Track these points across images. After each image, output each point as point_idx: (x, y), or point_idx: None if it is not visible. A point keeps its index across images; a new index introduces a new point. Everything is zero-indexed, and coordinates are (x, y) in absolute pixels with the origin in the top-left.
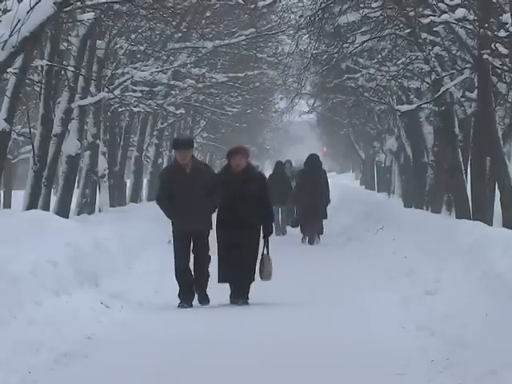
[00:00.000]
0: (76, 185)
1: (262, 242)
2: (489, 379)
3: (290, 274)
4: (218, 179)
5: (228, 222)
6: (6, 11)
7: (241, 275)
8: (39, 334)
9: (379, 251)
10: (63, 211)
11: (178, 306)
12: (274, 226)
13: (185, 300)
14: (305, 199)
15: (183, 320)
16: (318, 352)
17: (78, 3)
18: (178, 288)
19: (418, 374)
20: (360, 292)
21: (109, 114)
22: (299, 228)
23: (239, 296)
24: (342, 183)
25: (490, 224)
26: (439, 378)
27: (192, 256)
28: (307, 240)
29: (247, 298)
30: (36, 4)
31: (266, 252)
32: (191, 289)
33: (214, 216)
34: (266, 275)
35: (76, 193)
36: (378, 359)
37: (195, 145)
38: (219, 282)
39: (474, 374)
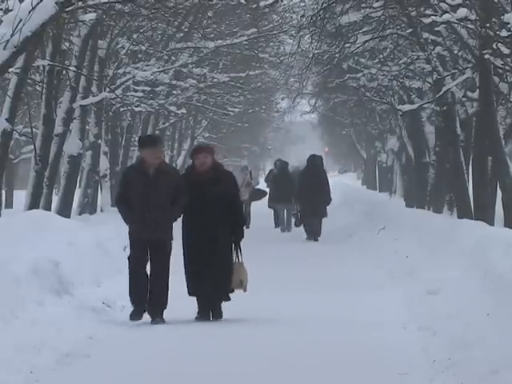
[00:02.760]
0: (78, 184)
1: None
2: (491, 379)
3: (291, 272)
4: (185, 186)
5: (194, 228)
6: (7, 11)
7: (210, 287)
8: (41, 333)
9: (381, 251)
10: (65, 211)
11: (131, 319)
12: (279, 223)
13: (138, 313)
14: (306, 198)
15: (184, 319)
16: (319, 352)
17: (80, 3)
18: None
19: (420, 373)
20: (361, 292)
21: (110, 113)
22: (302, 227)
23: (208, 310)
24: (343, 183)
25: (492, 224)
26: (441, 378)
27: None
28: (311, 238)
29: (220, 312)
30: (38, 4)
31: (237, 260)
32: (144, 302)
33: (176, 225)
34: (236, 283)
35: (78, 192)
36: (380, 359)
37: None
38: (190, 295)
39: (476, 373)
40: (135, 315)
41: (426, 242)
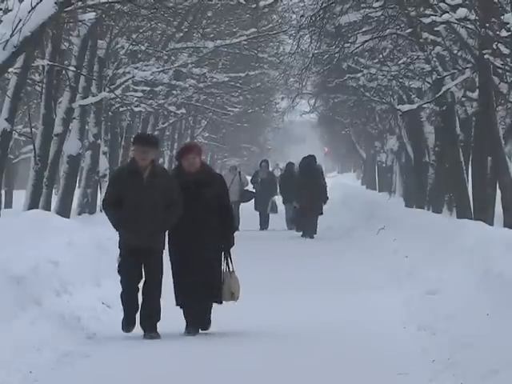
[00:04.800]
0: (77, 184)
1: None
2: (490, 379)
3: (289, 272)
4: (179, 189)
5: (182, 234)
6: (7, 11)
7: (199, 298)
8: (41, 333)
9: (380, 251)
10: (64, 211)
11: (124, 330)
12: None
13: (130, 328)
14: (303, 198)
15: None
16: (319, 352)
17: (79, 3)
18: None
19: (420, 373)
20: (361, 292)
21: (110, 113)
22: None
23: (197, 323)
24: (343, 183)
25: (491, 224)
26: (441, 378)
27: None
28: (306, 235)
29: (208, 324)
30: (37, 4)
31: (227, 269)
32: (135, 316)
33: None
34: (226, 295)
35: (77, 192)
36: (380, 359)
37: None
38: (177, 305)
39: (476, 373)
40: (128, 327)
41: (426, 241)
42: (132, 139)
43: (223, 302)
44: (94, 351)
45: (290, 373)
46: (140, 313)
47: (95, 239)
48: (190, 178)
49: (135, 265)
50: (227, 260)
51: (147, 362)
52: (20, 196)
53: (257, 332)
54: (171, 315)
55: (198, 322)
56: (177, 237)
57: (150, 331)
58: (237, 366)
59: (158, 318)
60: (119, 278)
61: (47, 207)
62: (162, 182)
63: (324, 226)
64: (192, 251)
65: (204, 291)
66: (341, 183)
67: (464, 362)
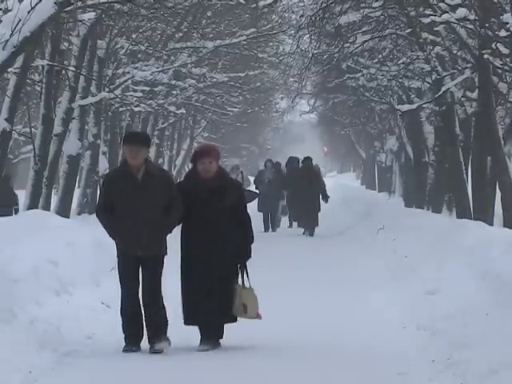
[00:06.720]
0: (77, 184)
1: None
2: (490, 379)
3: (289, 272)
4: (178, 191)
5: (195, 246)
6: (6, 11)
7: (213, 313)
8: (40, 333)
9: (380, 251)
10: (64, 211)
11: (124, 351)
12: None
13: (132, 342)
14: (301, 197)
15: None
16: (319, 351)
17: (79, 3)
18: (123, 322)
19: (420, 373)
20: (360, 292)
21: (109, 113)
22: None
23: (209, 338)
24: (342, 183)
25: (491, 224)
26: (440, 378)
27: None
28: (308, 233)
29: (220, 338)
30: (37, 4)
31: (241, 282)
32: (141, 328)
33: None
34: (238, 310)
35: (77, 192)
36: (380, 359)
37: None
38: (186, 324)
39: (475, 373)
40: (131, 347)
41: (425, 241)
42: (123, 138)
43: (235, 315)
44: (94, 351)
45: (290, 372)
46: (146, 326)
47: (95, 239)
48: (204, 184)
49: (135, 274)
50: (243, 274)
51: (147, 362)
52: (20, 196)
53: (254, 334)
54: (174, 322)
55: (211, 336)
56: (188, 249)
57: (159, 341)
58: (238, 366)
59: (166, 327)
60: (120, 284)
61: (47, 207)
62: (159, 181)
63: (324, 225)
64: (205, 266)
65: (219, 310)
66: (340, 183)
67: (464, 362)
